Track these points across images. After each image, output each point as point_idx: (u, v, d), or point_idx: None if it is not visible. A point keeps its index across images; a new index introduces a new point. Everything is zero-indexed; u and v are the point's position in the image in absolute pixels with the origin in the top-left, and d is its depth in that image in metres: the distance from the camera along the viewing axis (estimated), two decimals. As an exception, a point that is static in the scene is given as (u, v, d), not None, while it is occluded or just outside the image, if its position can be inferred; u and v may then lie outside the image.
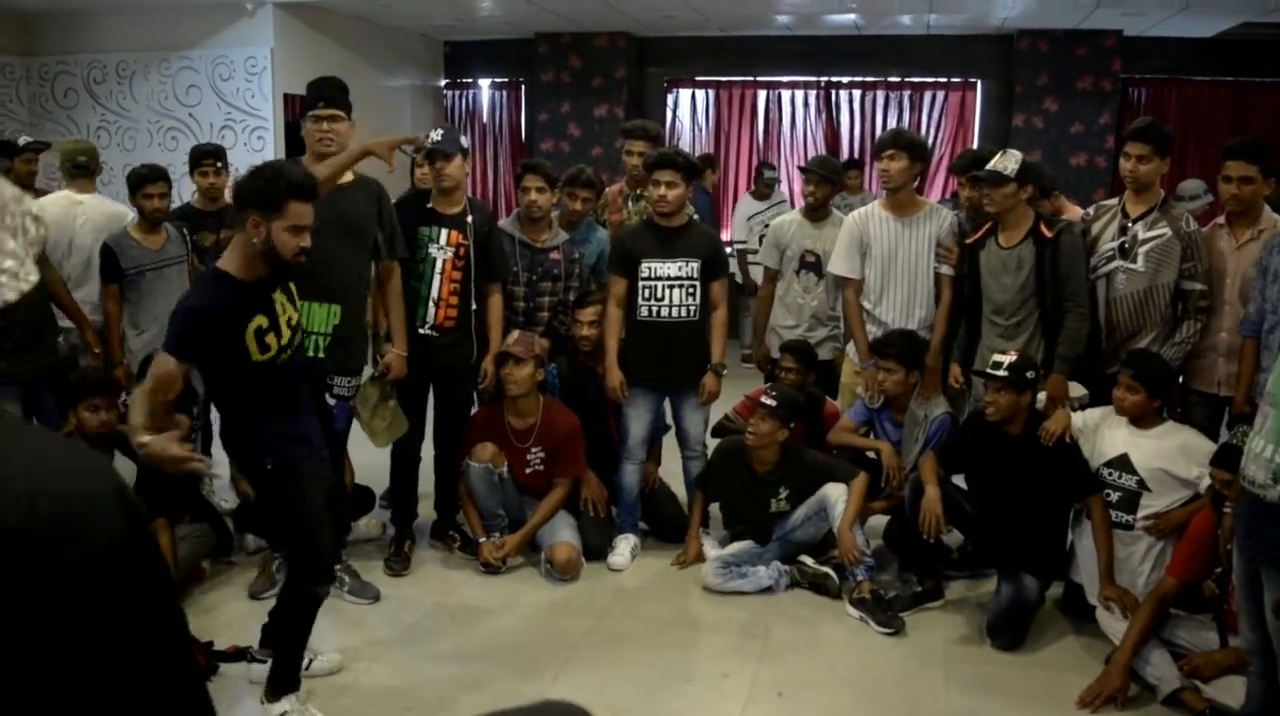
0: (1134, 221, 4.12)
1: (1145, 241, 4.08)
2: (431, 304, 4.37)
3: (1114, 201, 4.28)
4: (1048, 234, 4.15)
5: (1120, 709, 3.39)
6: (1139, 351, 4.00)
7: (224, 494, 4.92)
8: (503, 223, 4.76)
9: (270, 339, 3.02)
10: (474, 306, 4.42)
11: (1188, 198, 6.06)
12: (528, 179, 4.58)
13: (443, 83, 10.27)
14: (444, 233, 4.35)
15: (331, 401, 4.03)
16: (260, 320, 3.00)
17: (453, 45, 10.16)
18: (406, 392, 4.39)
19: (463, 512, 4.59)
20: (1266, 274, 3.79)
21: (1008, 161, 4.14)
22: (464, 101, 10.45)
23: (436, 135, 4.29)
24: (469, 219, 4.37)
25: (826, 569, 4.25)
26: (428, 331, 4.38)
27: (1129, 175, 4.15)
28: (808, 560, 4.32)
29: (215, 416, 3.65)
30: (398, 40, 9.31)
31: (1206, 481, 3.63)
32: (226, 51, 7.80)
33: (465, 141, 4.46)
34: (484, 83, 10.38)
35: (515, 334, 4.42)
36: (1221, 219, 4.19)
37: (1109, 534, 3.82)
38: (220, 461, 4.39)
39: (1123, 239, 4.12)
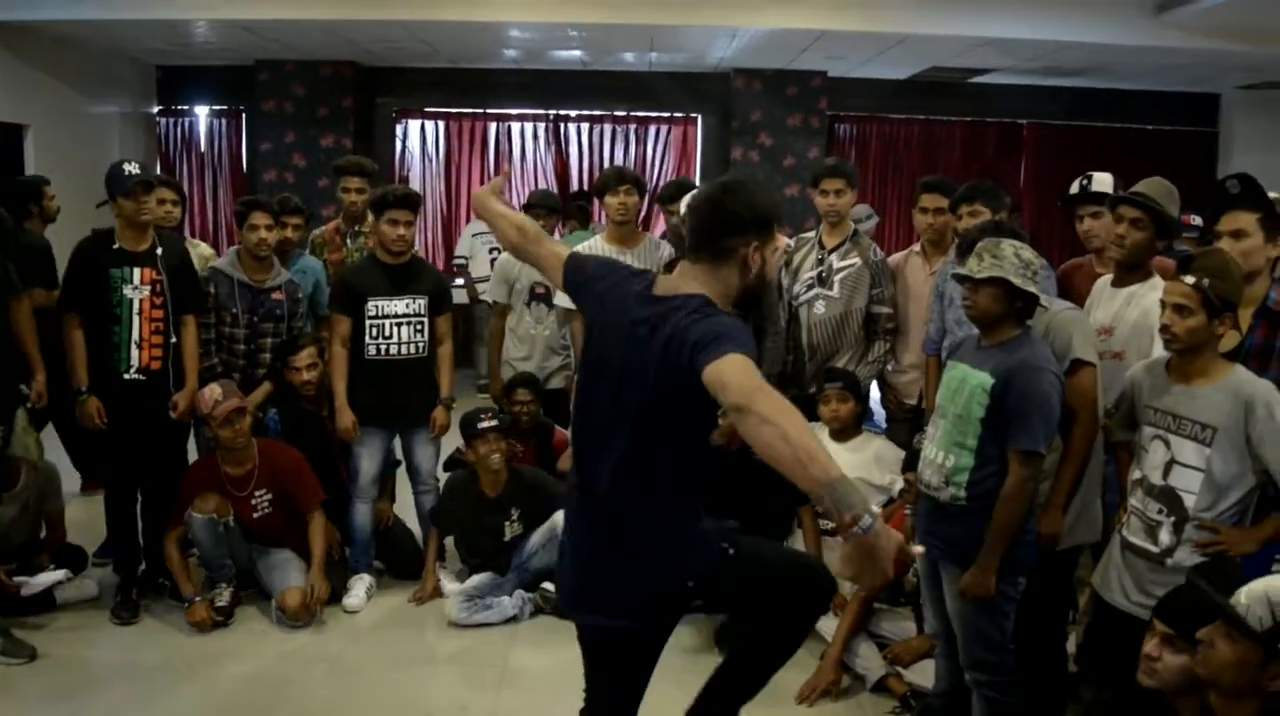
0: (829, 252, 4.49)
1: (839, 270, 4.44)
2: (134, 347, 4.17)
3: (811, 234, 4.64)
4: None
5: (834, 700, 3.68)
6: (835, 368, 4.35)
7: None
8: (219, 263, 4.61)
9: None
10: (174, 340, 4.25)
11: (864, 218, 6.69)
12: (255, 217, 4.44)
13: (155, 109, 9.74)
14: (136, 271, 4.16)
15: None
16: None
17: (166, 70, 9.64)
18: (117, 440, 4.20)
19: (170, 569, 4.32)
20: (943, 298, 4.22)
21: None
22: (179, 129, 9.94)
23: (134, 168, 4.12)
24: (159, 252, 4.21)
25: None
26: (134, 376, 4.18)
27: (828, 209, 4.49)
28: (549, 586, 4.40)
29: None
30: (105, 65, 8.73)
31: (900, 485, 4.01)
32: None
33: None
34: (201, 110, 9.92)
35: (217, 389, 4.23)
36: (917, 247, 4.62)
37: (819, 541, 4.13)
38: None
39: (820, 268, 4.47)
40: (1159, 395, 2.85)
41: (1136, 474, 2.91)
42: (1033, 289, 2.86)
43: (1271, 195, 3.32)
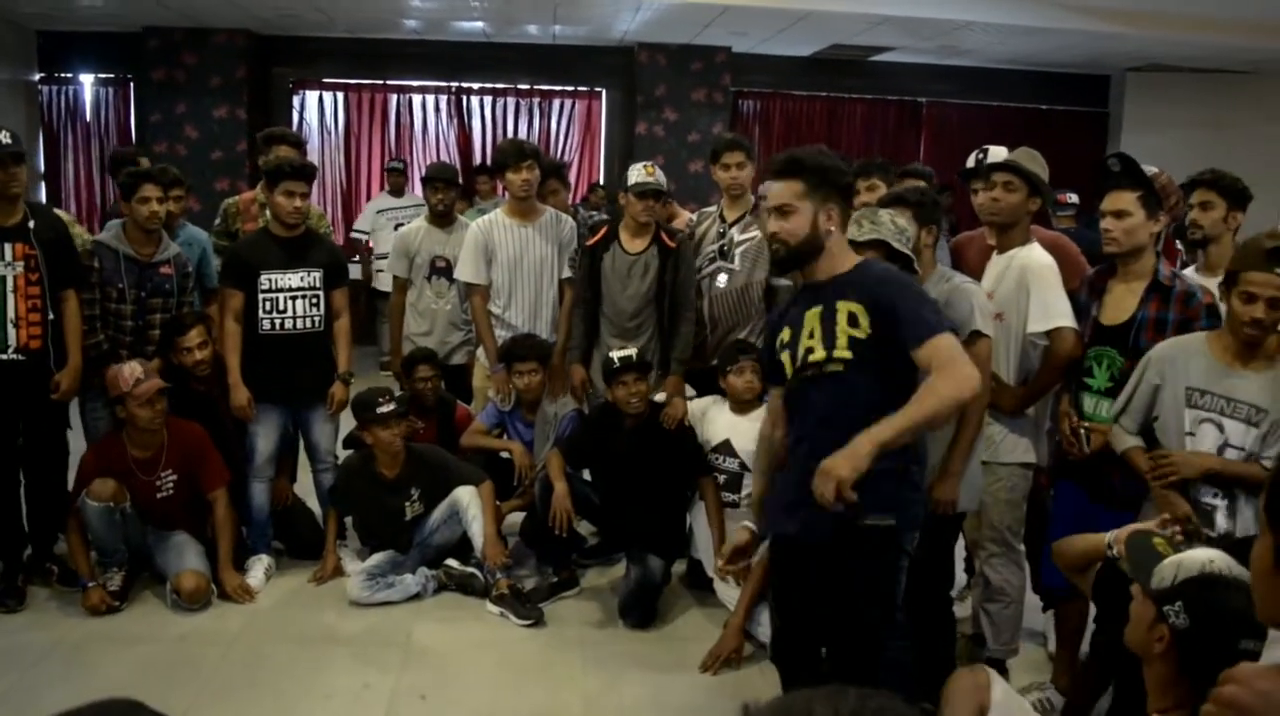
0: (730, 225, 4.52)
1: (740, 243, 4.48)
2: (10, 326, 4.00)
3: (713, 208, 4.66)
4: (671, 243, 4.45)
5: (736, 667, 3.74)
6: (747, 342, 4.39)
7: None
8: (103, 236, 4.44)
9: None
10: (51, 316, 4.09)
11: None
12: (146, 188, 4.27)
13: (37, 77, 9.32)
14: (7, 247, 3.99)
15: None
16: None
17: (47, 36, 9.22)
18: None
19: (69, 554, 4.22)
20: None
21: (661, 176, 4.45)
22: (63, 98, 9.52)
23: (5, 137, 3.95)
24: (31, 225, 4.05)
25: (471, 569, 4.33)
26: (12, 356, 4.01)
27: (730, 183, 4.52)
28: (453, 562, 4.38)
29: None
30: (-22, 29, 8.33)
31: None
32: None
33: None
34: (86, 79, 9.51)
35: (137, 368, 4.10)
36: None
37: (720, 512, 4.18)
38: None
39: (722, 242, 4.50)
40: (1212, 378, 2.86)
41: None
42: (907, 252, 3.00)
43: (1150, 171, 3.45)
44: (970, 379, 2.55)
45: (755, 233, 4.47)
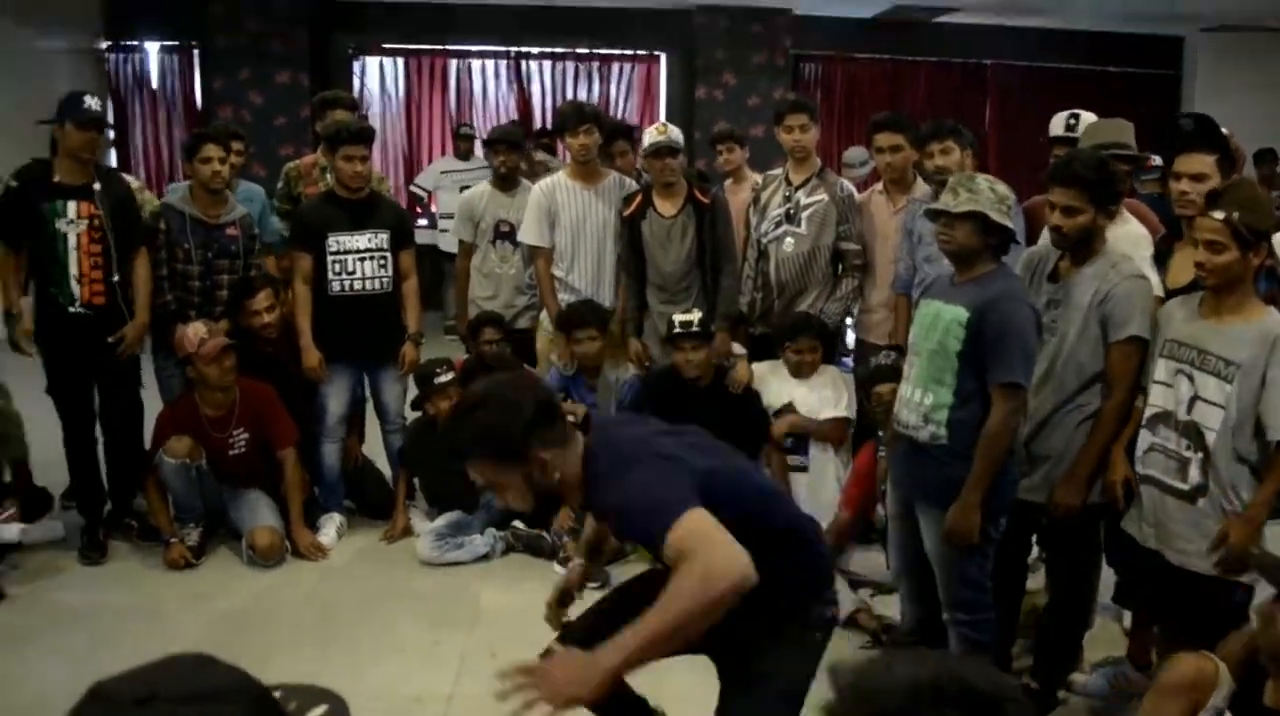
0: (796, 188, 4.47)
1: (807, 206, 4.43)
2: (74, 282, 4.09)
3: (779, 171, 4.62)
4: (704, 200, 4.42)
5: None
6: (803, 316, 4.36)
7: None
8: (170, 198, 4.52)
9: None
10: (115, 277, 4.17)
11: (857, 164, 6.62)
12: (207, 149, 4.32)
13: (104, 45, 9.45)
14: (72, 205, 4.08)
15: None
16: None
17: (113, 4, 9.33)
18: (69, 375, 4.18)
19: (150, 512, 4.34)
20: (911, 237, 4.23)
21: (674, 134, 4.42)
22: (129, 66, 9.64)
23: (96, 105, 4.05)
24: (97, 187, 4.12)
25: (539, 531, 4.36)
26: (79, 310, 4.11)
27: (794, 145, 4.47)
28: (520, 524, 4.41)
29: None
30: (43, -3, 8.42)
31: (827, 412, 4.18)
32: None
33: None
34: (151, 46, 9.62)
35: (201, 328, 4.19)
36: (879, 186, 4.61)
37: (787, 477, 4.17)
38: None
39: (788, 205, 4.46)
40: (1190, 331, 2.79)
41: (1155, 409, 2.86)
42: (1008, 223, 2.84)
43: (1224, 132, 3.35)
44: (722, 570, 1.83)
45: (822, 196, 4.43)
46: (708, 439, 2.31)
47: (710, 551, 1.84)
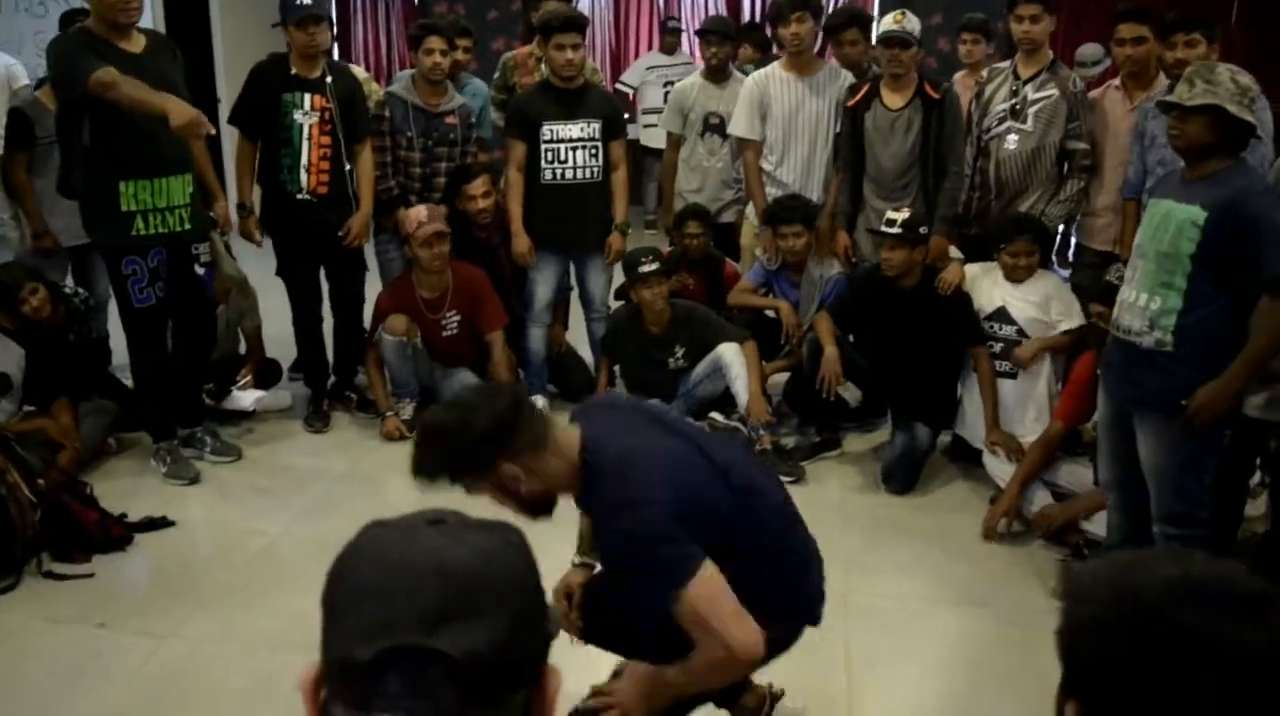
0: (1024, 83, 4.22)
1: (1035, 102, 4.18)
2: (304, 170, 4.31)
3: (1006, 64, 4.37)
4: (934, 94, 4.23)
5: (1003, 544, 3.62)
6: (1022, 217, 4.15)
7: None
8: (394, 87, 4.68)
9: None
10: (347, 167, 4.38)
11: (1089, 63, 6.17)
12: (430, 40, 4.46)
13: (329, -58, 9.77)
14: (307, 97, 4.27)
15: (200, 270, 4.02)
16: None
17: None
18: (298, 258, 4.45)
19: (369, 386, 4.63)
20: (1143, 139, 3.94)
21: (911, 24, 4.19)
22: (352, -39, 9.98)
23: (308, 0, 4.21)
24: (328, 81, 4.30)
25: (735, 423, 4.39)
26: (305, 196, 4.34)
27: (1023, 36, 4.22)
28: (717, 416, 4.45)
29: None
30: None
31: (1065, 324, 3.94)
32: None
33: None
34: (373, -58, 9.91)
35: (422, 211, 4.36)
36: (1116, 81, 4.30)
37: (994, 383, 4.03)
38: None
39: (1014, 100, 4.22)
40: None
41: None
42: (1248, 118, 2.60)
43: None
44: (742, 652, 1.95)
45: (1052, 90, 4.17)
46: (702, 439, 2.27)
47: (727, 629, 1.91)
